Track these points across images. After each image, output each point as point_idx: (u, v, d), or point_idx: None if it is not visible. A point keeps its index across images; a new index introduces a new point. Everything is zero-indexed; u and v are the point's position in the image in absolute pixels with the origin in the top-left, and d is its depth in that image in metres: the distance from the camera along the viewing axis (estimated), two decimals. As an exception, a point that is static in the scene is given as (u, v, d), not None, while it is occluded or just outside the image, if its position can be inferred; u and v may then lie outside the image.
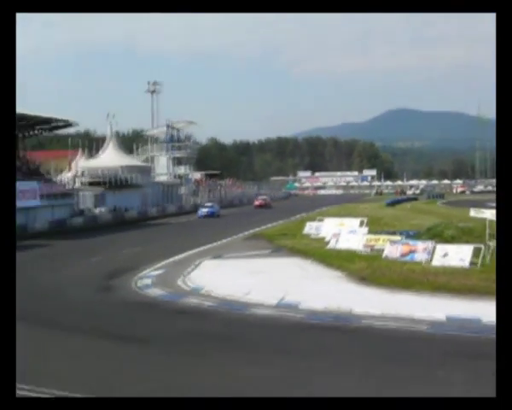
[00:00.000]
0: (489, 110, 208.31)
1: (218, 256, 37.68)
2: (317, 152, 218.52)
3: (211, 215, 78.31)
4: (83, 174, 76.41)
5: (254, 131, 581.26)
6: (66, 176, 75.81)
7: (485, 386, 12.12)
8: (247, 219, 71.99)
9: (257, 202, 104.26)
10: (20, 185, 60.25)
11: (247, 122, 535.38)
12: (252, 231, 54.02)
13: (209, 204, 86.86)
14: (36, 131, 72.95)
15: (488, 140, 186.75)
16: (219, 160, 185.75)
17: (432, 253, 29.88)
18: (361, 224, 44.56)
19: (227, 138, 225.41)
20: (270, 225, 61.35)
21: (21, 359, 16.62)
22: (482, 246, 28.79)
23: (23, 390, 13.34)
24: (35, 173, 67.63)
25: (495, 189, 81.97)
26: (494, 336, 9.18)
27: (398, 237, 35.33)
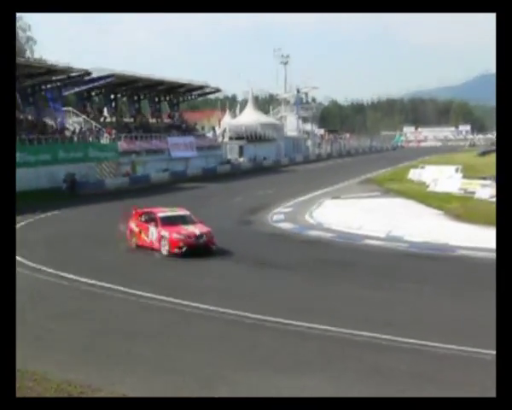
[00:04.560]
0: None
1: (336, 197, 37.63)
2: (420, 110, 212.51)
3: None
4: (228, 130, 77.57)
5: (367, 93, 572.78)
6: (215, 132, 77.42)
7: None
8: (363, 166, 70.74)
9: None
10: (180, 140, 62.21)
11: (362, 86, 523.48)
12: (363, 177, 53.23)
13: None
14: (192, 96, 75.78)
15: None
16: (338, 117, 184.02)
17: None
18: (456, 170, 43.57)
19: (345, 100, 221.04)
20: (381, 171, 60.42)
21: (183, 276, 17.35)
22: None
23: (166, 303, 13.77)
24: (192, 130, 69.54)
25: None
26: None
27: (488, 181, 34.26)
